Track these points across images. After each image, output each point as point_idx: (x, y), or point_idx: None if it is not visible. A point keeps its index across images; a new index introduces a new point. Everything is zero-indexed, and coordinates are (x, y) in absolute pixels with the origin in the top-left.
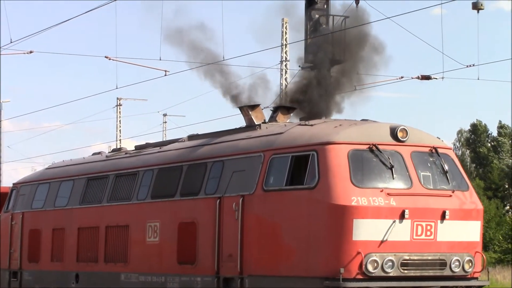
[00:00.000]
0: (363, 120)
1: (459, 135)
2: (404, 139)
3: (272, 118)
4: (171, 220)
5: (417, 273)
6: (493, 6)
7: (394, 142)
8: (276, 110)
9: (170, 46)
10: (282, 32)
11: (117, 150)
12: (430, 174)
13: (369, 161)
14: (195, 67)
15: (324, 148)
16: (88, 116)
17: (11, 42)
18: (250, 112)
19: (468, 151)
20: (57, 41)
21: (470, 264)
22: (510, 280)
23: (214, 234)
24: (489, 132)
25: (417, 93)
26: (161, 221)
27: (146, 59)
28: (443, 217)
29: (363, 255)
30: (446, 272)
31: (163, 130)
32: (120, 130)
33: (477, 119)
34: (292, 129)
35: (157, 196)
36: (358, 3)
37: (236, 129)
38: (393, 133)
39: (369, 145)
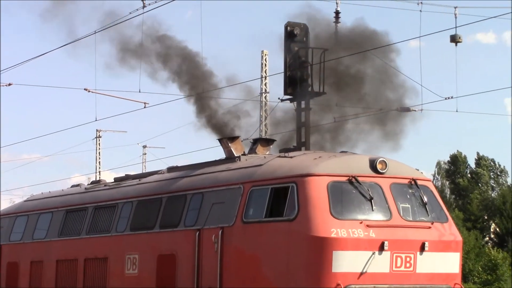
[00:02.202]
0: (342, 151)
1: (438, 167)
2: (384, 171)
3: (252, 150)
4: (150, 252)
5: None
6: (470, 38)
7: (374, 174)
8: (255, 142)
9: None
10: (262, 64)
11: (96, 182)
12: (409, 205)
13: (348, 193)
14: (174, 99)
15: (304, 180)
16: (68, 148)
17: None
18: (229, 144)
19: (447, 182)
20: (36, 73)
21: None
22: None
23: (194, 266)
24: (468, 164)
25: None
26: (140, 253)
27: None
28: (422, 248)
29: (342, 287)
30: None
31: (142, 162)
32: (99, 162)
33: (457, 150)
34: (272, 161)
35: (136, 228)
36: (337, 35)
37: (215, 161)
38: (373, 165)
39: (348, 177)
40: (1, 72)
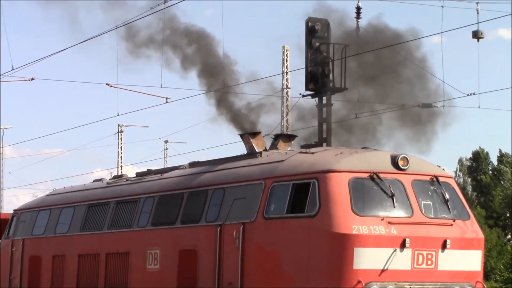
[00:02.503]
0: (364, 148)
1: (460, 164)
2: (405, 168)
3: (273, 146)
4: (172, 247)
5: None
6: (492, 34)
7: (395, 171)
8: (277, 137)
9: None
10: (283, 59)
11: (118, 177)
12: (431, 202)
13: (370, 189)
14: (196, 95)
15: (325, 176)
16: (89, 142)
17: (12, 69)
18: (251, 140)
19: (469, 179)
20: (58, 68)
21: None
22: None
23: (215, 262)
24: (490, 160)
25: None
26: (162, 248)
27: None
28: (444, 246)
29: (363, 284)
30: None
31: (164, 157)
32: (121, 157)
33: (479, 147)
34: (293, 156)
35: (158, 223)
36: (359, 31)
37: (237, 156)
38: (394, 161)
39: (370, 173)
40: (24, 67)
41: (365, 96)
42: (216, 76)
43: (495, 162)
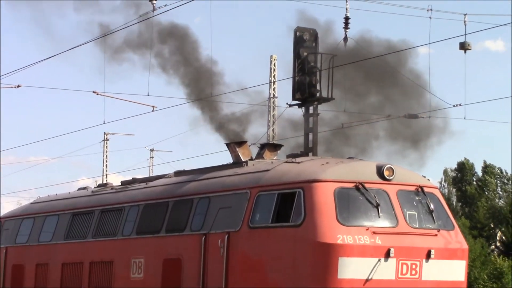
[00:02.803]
0: (349, 158)
1: (445, 174)
2: (390, 178)
3: (259, 155)
4: (156, 256)
5: None
6: (479, 46)
7: (380, 181)
8: (263, 147)
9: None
10: (271, 68)
11: (103, 185)
12: (415, 213)
13: (355, 199)
14: (182, 103)
15: (311, 186)
16: (75, 150)
17: None
18: (237, 149)
19: (454, 190)
20: (45, 75)
21: None
22: None
23: (199, 271)
24: (475, 171)
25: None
26: (146, 257)
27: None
28: (428, 256)
29: None
30: None
31: (149, 166)
32: (106, 165)
33: (465, 158)
34: (279, 166)
35: (143, 232)
36: (347, 41)
37: (222, 165)
38: (380, 171)
39: (355, 184)
40: (10, 74)
41: (352, 106)
42: (202, 85)
43: (479, 173)
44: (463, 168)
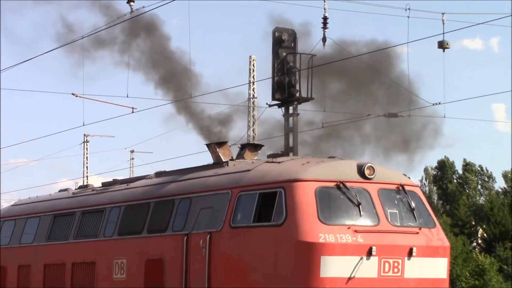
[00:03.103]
0: (330, 157)
1: (425, 173)
2: (371, 177)
3: (240, 155)
4: (138, 256)
5: None
6: (458, 44)
7: (361, 180)
8: (243, 147)
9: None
10: (250, 69)
11: (84, 187)
12: (397, 211)
13: (336, 198)
14: (161, 105)
15: (292, 185)
16: (55, 152)
17: None
18: (217, 149)
19: (435, 188)
20: (23, 78)
21: None
22: None
23: (182, 271)
24: (455, 169)
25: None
26: (128, 257)
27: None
28: (410, 254)
29: None
30: None
31: (130, 167)
32: (87, 167)
33: (445, 156)
34: (260, 166)
35: (124, 233)
36: (325, 41)
37: (203, 166)
38: (360, 170)
39: (336, 183)
40: None
41: (335, 106)
42: (180, 86)
43: (460, 171)
44: (444, 166)
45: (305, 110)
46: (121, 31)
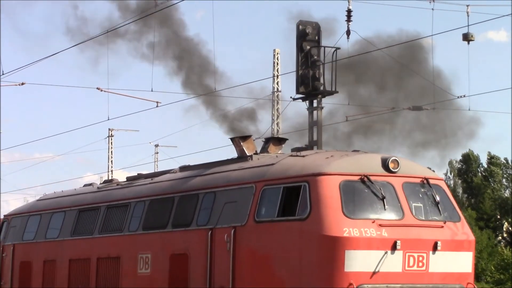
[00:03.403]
0: (354, 151)
1: (450, 166)
2: (396, 170)
3: (264, 149)
4: (163, 251)
5: None
6: (482, 37)
7: (386, 173)
8: (267, 141)
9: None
10: (274, 62)
11: (109, 181)
12: (421, 205)
13: (360, 192)
14: (186, 98)
15: (316, 179)
16: (80, 147)
17: (2, 74)
18: (241, 143)
19: (460, 181)
20: (48, 72)
21: None
22: None
23: (206, 265)
24: (480, 162)
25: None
26: (153, 252)
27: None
28: (435, 248)
29: (355, 286)
30: None
31: (154, 161)
32: (111, 161)
33: (469, 149)
34: (284, 160)
35: (149, 228)
36: (349, 34)
37: (227, 160)
38: (385, 164)
39: (360, 176)
40: (14, 71)
41: (356, 99)
42: (206, 79)
43: (484, 164)
44: (468, 159)
45: (329, 103)
46: (143, 25)
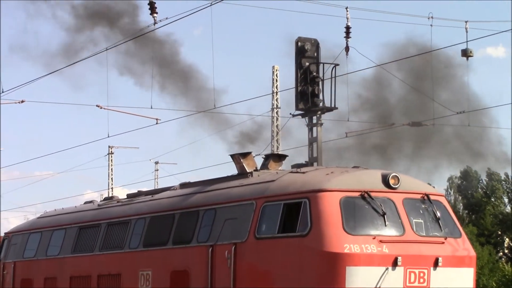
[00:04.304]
0: (354, 167)
1: (450, 182)
2: (396, 186)
3: (264, 166)
4: (164, 268)
5: None
6: (481, 52)
7: (386, 189)
8: (267, 157)
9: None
10: (273, 79)
11: (109, 198)
12: (422, 221)
13: (361, 208)
14: (185, 115)
15: (316, 195)
16: (80, 164)
17: (2, 92)
18: (241, 160)
19: (460, 197)
20: (48, 90)
21: None
22: None
23: (207, 282)
24: (480, 178)
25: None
26: (154, 269)
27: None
28: (436, 264)
29: None
30: None
31: (155, 178)
32: (112, 178)
33: (467, 166)
34: (284, 176)
35: (149, 245)
36: (348, 51)
37: (228, 177)
38: (385, 180)
39: (361, 192)
40: (14, 89)
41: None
42: (203, 97)
43: (484, 180)
44: (467, 175)
45: (329, 120)
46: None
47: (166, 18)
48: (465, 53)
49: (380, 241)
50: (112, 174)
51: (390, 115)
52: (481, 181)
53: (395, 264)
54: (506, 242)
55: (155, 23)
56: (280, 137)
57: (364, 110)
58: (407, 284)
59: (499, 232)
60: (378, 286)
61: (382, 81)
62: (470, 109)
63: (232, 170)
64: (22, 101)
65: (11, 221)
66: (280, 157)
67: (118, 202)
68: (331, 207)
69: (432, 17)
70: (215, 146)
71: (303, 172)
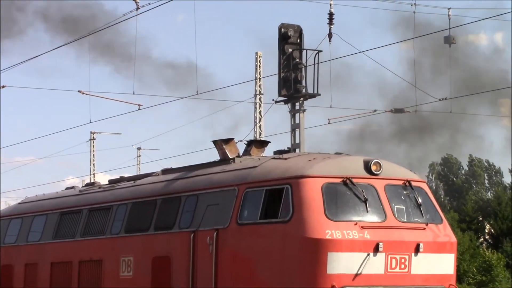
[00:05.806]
0: (336, 153)
1: (431, 168)
2: (378, 173)
3: (246, 152)
4: (145, 254)
5: None
6: (463, 40)
7: (368, 176)
8: (250, 144)
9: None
10: (256, 65)
11: (91, 184)
12: (404, 207)
13: (343, 194)
14: (168, 101)
15: (298, 181)
16: (62, 150)
17: None
18: (224, 146)
19: (441, 184)
20: (29, 75)
21: None
22: None
23: (189, 268)
24: (460, 165)
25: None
26: (135, 255)
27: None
28: (417, 250)
29: None
30: None
31: (137, 164)
32: (93, 164)
33: (447, 153)
34: (266, 162)
35: (131, 231)
36: (331, 37)
37: (210, 163)
38: (367, 166)
39: (343, 179)
40: None
41: (337, 102)
42: (187, 82)
43: (465, 167)
44: (449, 162)
45: (311, 106)
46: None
47: (149, 4)
48: (448, 40)
49: (362, 227)
50: (94, 160)
51: (372, 101)
52: (461, 168)
53: (376, 250)
54: (487, 228)
55: (137, 8)
56: (263, 123)
57: (346, 96)
58: (389, 270)
59: (480, 218)
60: (359, 272)
61: (365, 68)
62: (453, 95)
63: (215, 156)
64: (3, 86)
65: None
66: (262, 143)
67: (100, 188)
68: (313, 193)
69: (415, 4)
70: (197, 131)
71: (285, 158)
